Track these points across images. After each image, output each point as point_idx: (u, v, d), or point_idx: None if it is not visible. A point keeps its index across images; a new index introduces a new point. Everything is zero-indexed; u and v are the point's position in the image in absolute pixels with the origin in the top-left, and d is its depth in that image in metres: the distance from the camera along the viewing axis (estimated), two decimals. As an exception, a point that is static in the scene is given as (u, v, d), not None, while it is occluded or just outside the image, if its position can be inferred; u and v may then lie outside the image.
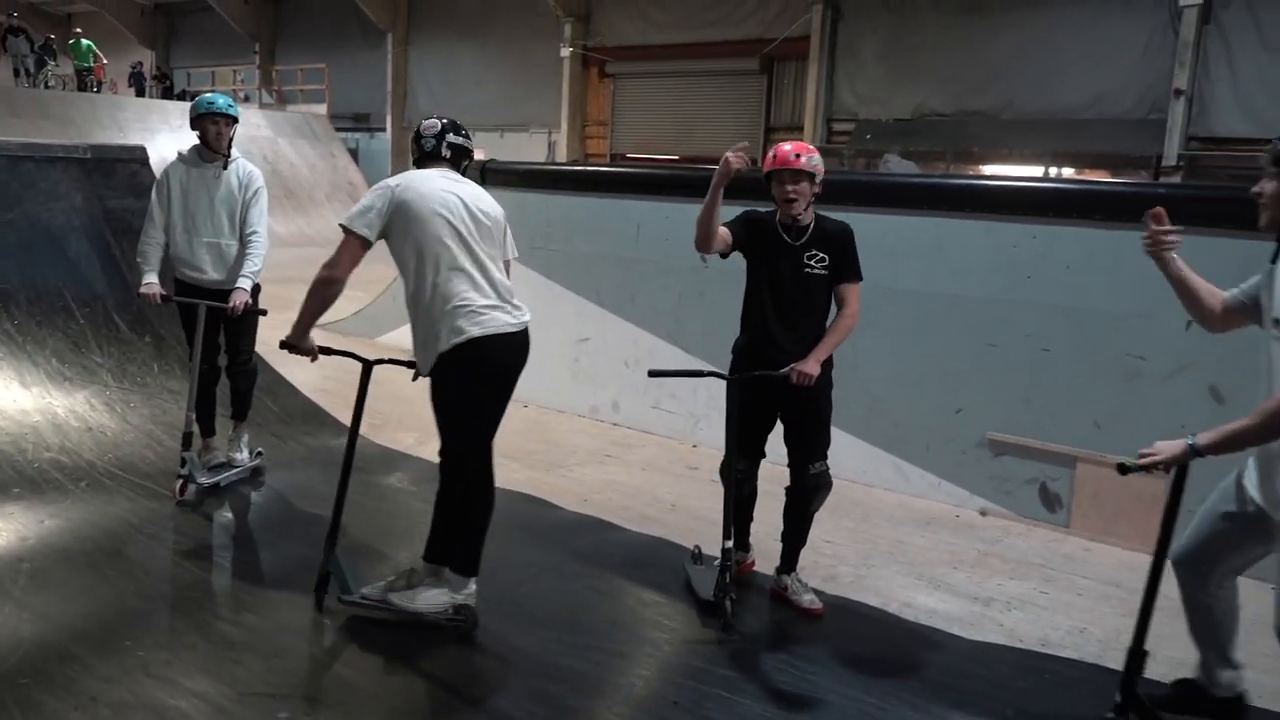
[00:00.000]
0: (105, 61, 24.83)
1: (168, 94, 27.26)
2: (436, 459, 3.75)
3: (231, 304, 4.86)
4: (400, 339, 9.30)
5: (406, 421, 6.83)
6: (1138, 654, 3.03)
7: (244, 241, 5.02)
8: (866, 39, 17.61)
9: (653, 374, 4.23)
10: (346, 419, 6.41)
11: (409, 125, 25.98)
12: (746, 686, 3.42)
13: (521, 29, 22.93)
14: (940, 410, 5.65)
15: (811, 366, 3.79)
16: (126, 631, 3.52)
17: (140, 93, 26.44)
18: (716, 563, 3.97)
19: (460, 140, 3.81)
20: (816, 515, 4.09)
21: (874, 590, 4.37)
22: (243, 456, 5.35)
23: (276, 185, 21.19)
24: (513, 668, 3.48)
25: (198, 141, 5.02)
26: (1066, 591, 4.46)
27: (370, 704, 3.20)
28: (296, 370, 7.24)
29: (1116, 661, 3.74)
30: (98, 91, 23.81)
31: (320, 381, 7.55)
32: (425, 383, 3.70)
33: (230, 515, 4.88)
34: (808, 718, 3.26)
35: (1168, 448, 2.82)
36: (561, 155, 21.87)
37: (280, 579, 4.10)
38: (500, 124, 23.52)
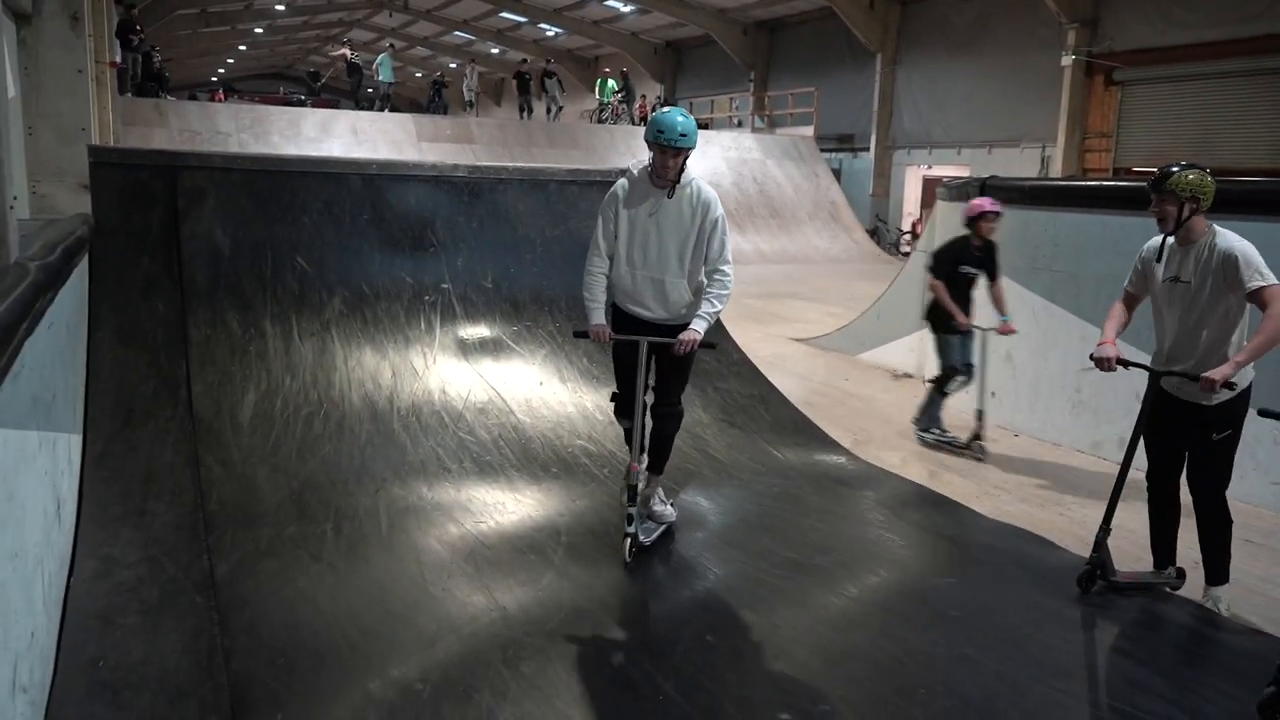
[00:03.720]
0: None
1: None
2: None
3: (679, 344, 4.30)
4: (881, 356, 9.28)
5: (890, 441, 6.78)
6: None
7: (709, 278, 4.41)
8: None
9: (1264, 414, 3.58)
10: (832, 432, 6.58)
11: (892, 144, 25.92)
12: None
13: (1019, 39, 21.79)
14: None
15: None
16: (641, 612, 3.89)
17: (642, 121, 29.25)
18: None
19: None
20: None
21: None
22: (666, 510, 4.79)
23: (764, 205, 22.31)
24: (1019, 710, 3.26)
25: (649, 162, 4.38)
26: None
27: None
28: (783, 381, 7.51)
29: None
30: (614, 122, 26.84)
31: (807, 395, 7.77)
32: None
33: (719, 516, 5.13)
34: None
35: None
36: (1056, 170, 20.42)
37: (772, 581, 4.24)
38: (988, 140, 22.60)
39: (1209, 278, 3.92)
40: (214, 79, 52.51)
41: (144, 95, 20.29)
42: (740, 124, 30.61)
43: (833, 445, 6.30)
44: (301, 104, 26.39)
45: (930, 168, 24.62)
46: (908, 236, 23.79)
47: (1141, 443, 4.27)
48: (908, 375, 8.82)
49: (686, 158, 4.29)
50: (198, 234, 5.81)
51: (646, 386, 4.51)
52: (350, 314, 5.95)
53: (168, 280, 5.59)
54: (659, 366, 4.52)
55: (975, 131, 23.20)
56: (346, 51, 25.56)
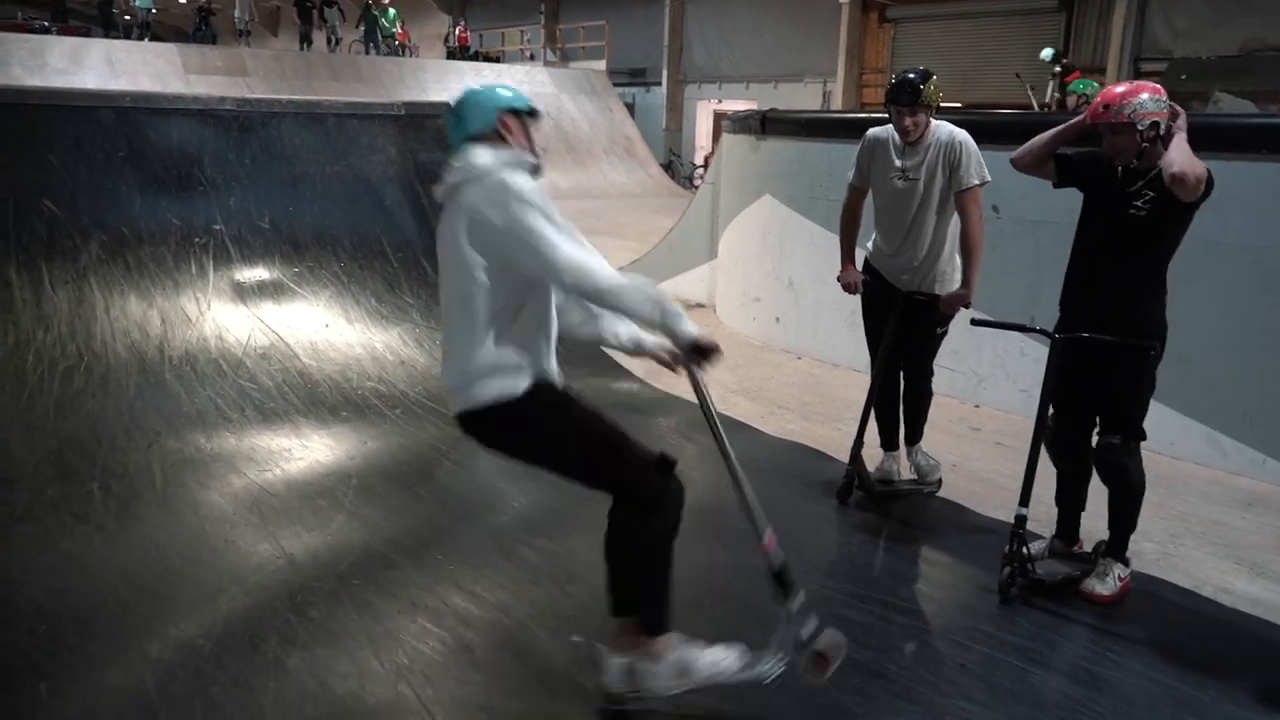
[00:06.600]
0: (405, 29, 26.78)
1: (464, 55, 28.94)
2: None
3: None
4: (675, 287, 9.50)
5: (682, 368, 6.98)
6: None
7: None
8: (1188, -35, 15.84)
9: (975, 323, 4.00)
10: (625, 362, 6.70)
11: (683, 79, 26.24)
12: (1040, 657, 3.25)
13: (800, -24, 22.51)
14: (1268, 378, 5.05)
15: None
16: (438, 547, 3.87)
17: (451, 55, 28.23)
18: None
19: None
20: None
21: (1184, 571, 4.00)
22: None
23: (559, 141, 22.12)
24: (792, 614, 3.49)
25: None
26: None
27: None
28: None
29: None
30: (398, 54, 25.82)
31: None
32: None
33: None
34: (1114, 701, 3.04)
35: None
36: (836, 104, 21.33)
37: (566, 509, 4.31)
38: (774, 75, 23.31)
39: (936, 170, 4.20)
40: (-61, 2, 46.66)
41: None
42: (532, 57, 30.12)
43: (626, 374, 6.44)
44: (46, 31, 23.86)
45: (720, 102, 25.13)
46: (700, 170, 24.27)
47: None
48: (700, 305, 9.09)
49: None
50: (-78, 175, 5.22)
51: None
52: (110, 260, 5.50)
53: (-112, 228, 5.00)
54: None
55: (762, 66, 23.84)
56: None
